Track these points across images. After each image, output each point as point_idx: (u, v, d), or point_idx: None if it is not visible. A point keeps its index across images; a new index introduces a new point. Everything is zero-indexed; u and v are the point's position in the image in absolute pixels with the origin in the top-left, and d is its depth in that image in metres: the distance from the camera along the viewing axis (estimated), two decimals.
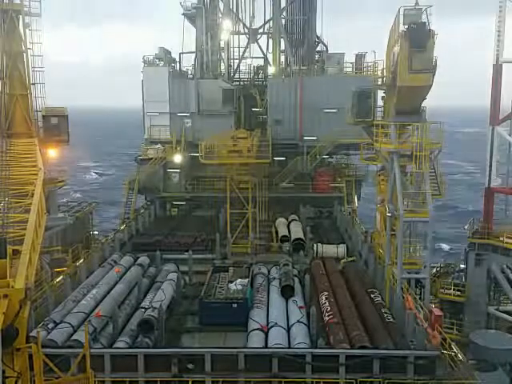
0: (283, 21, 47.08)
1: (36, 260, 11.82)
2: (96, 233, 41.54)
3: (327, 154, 42.79)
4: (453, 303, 31.78)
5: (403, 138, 23.69)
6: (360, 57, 41.60)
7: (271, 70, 48.06)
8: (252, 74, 52.07)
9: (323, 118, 41.30)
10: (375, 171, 31.56)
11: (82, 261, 27.32)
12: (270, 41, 49.50)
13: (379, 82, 26.48)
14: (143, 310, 21.01)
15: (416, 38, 20.54)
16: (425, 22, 20.60)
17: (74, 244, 34.02)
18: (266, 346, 18.38)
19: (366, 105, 26.33)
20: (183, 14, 44.23)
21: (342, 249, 30.80)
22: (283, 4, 46.91)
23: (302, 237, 32.42)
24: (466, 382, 16.35)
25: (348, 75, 41.38)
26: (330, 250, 30.86)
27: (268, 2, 48.83)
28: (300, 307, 21.17)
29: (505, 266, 30.34)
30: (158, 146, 41.90)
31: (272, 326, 19.56)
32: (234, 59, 51.47)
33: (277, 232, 35.13)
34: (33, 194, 15.28)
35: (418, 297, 23.56)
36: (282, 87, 41.77)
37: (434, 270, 33.96)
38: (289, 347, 18.31)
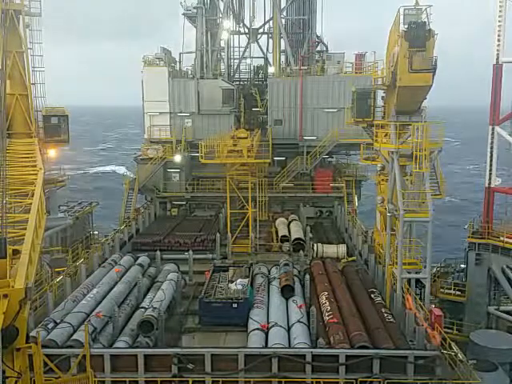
0: (283, 21, 47.09)
1: (36, 260, 11.82)
2: (96, 233, 41.58)
3: (327, 154, 42.83)
4: (453, 303, 31.76)
5: (403, 138, 23.70)
6: (360, 56, 41.63)
7: (271, 69, 48.10)
8: (252, 74, 52.16)
9: (323, 118, 41.38)
10: (375, 171, 31.58)
11: (81, 261, 27.32)
12: (270, 41, 49.56)
13: (379, 82, 26.49)
14: (143, 309, 21.00)
15: (416, 38, 20.55)
16: (425, 22, 20.61)
17: (74, 244, 34.08)
18: (266, 346, 18.37)
19: (366, 105, 26.36)
20: (183, 14, 44.27)
21: (342, 249, 30.82)
22: (283, 4, 46.96)
23: (302, 237, 32.43)
24: (466, 382, 16.37)
25: (348, 75, 41.42)
26: (330, 249, 30.89)
27: (268, 2, 48.99)
28: (300, 307, 21.16)
29: (505, 266, 30.30)
30: (157, 146, 41.94)
31: (272, 326, 19.56)
32: (234, 59, 51.56)
33: (277, 232, 35.13)
34: (33, 194, 15.28)
35: (417, 297, 23.56)
36: (282, 87, 41.81)
37: (434, 270, 33.96)
38: (289, 347, 18.31)
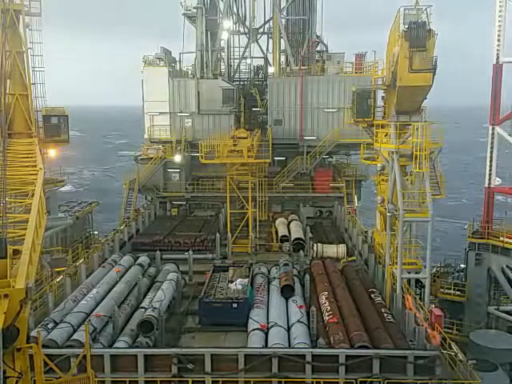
0: (283, 21, 47.11)
1: (36, 260, 11.80)
2: (96, 233, 41.59)
3: (327, 154, 42.85)
4: (453, 303, 31.76)
5: (403, 138, 23.71)
6: (360, 56, 41.64)
7: (271, 69, 48.10)
8: (252, 74, 52.16)
9: (323, 117, 41.41)
10: (375, 171, 31.59)
11: (81, 261, 27.33)
12: (270, 41, 49.55)
13: (379, 82, 26.49)
14: (143, 309, 21.00)
15: (416, 38, 20.56)
16: (425, 22, 20.63)
17: (73, 244, 34.10)
18: (266, 346, 18.37)
19: (366, 105, 26.38)
20: (183, 14, 44.25)
21: (342, 249, 30.81)
22: (283, 4, 46.93)
23: (302, 237, 32.43)
24: (466, 382, 16.37)
25: (348, 75, 41.44)
26: (330, 249, 30.88)
27: (268, 2, 48.97)
28: (300, 307, 21.17)
29: (505, 266, 30.31)
30: (158, 146, 41.96)
31: (272, 326, 19.56)
32: (234, 59, 51.55)
33: (277, 232, 35.13)
34: (33, 194, 15.26)
35: (417, 297, 23.56)
36: (282, 87, 41.83)
37: (434, 270, 33.96)
38: (289, 347, 18.31)
